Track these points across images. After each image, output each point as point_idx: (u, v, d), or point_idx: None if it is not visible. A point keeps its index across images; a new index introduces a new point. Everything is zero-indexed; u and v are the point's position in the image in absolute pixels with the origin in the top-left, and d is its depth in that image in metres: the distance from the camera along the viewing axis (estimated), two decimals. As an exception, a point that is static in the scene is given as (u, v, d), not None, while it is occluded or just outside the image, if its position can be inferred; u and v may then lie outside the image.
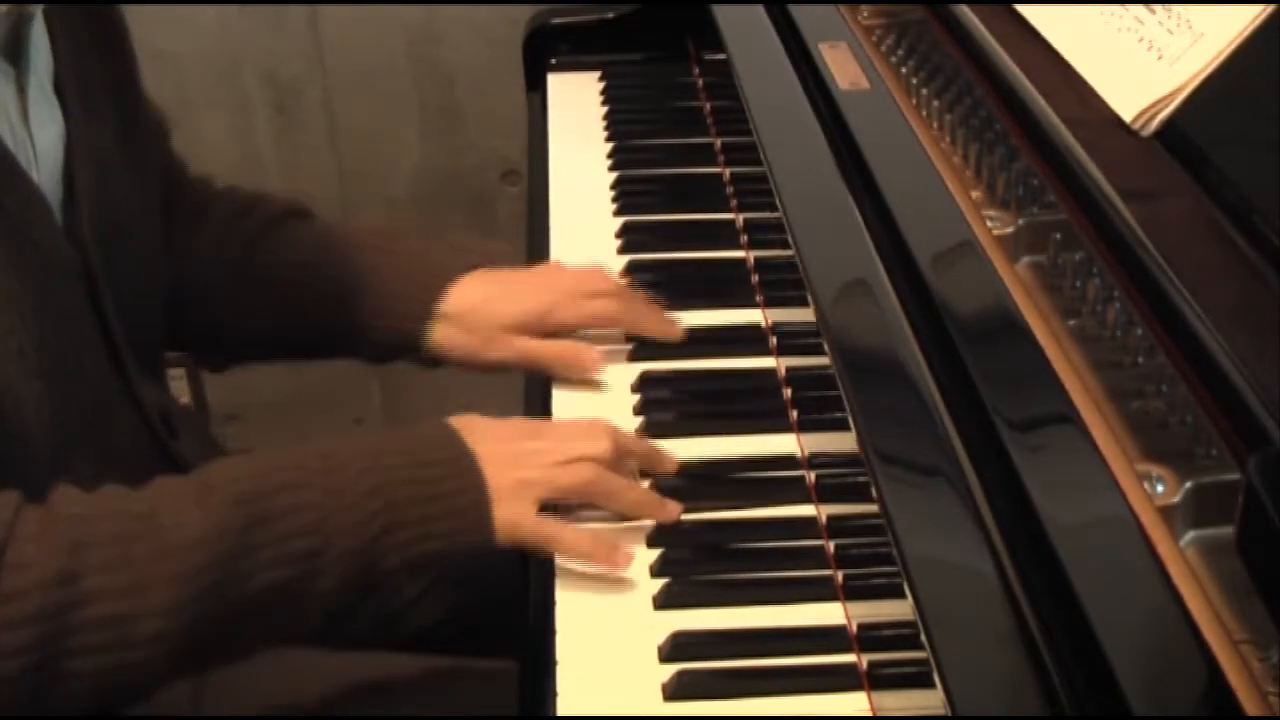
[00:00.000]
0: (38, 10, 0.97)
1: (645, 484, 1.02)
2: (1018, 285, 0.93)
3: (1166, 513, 0.75)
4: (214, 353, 1.29)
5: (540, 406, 1.14)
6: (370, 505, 0.92)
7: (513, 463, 0.96)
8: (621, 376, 1.14)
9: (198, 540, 0.87)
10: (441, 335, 1.17)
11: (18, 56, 0.96)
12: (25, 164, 0.95)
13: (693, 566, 0.97)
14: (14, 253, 0.91)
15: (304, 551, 0.90)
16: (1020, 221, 0.99)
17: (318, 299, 1.20)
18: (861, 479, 0.86)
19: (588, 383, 1.14)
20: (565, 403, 1.13)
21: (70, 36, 1.02)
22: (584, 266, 1.22)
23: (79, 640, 0.83)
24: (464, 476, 0.95)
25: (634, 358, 1.17)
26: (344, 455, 0.94)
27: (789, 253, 1.05)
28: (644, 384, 1.13)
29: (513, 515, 0.95)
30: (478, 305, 1.16)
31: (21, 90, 0.96)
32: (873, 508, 0.83)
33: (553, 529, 0.97)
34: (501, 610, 1.25)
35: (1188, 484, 0.76)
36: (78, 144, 1.00)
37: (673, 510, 1.00)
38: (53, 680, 0.83)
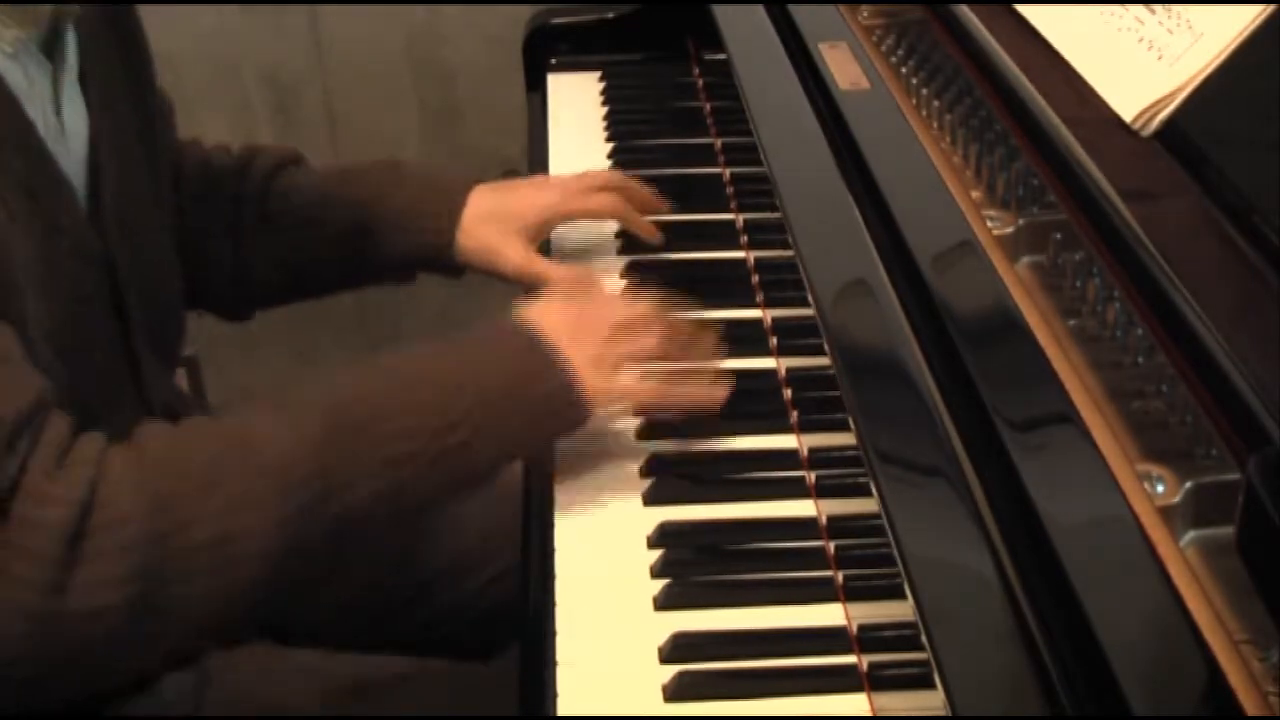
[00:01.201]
0: (77, 13, 1.00)
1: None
2: (1018, 285, 0.93)
3: (1166, 513, 0.75)
4: (234, 304, 1.31)
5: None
6: (462, 403, 0.94)
7: (588, 339, 1.01)
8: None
9: (293, 456, 0.89)
10: (466, 240, 1.24)
11: (54, 55, 0.99)
12: (56, 153, 0.97)
13: (693, 567, 0.97)
14: (42, 238, 0.93)
15: (403, 454, 0.92)
16: (1020, 221, 0.99)
17: (338, 232, 1.24)
18: (861, 479, 0.86)
19: None
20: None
21: (94, 34, 1.05)
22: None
23: (182, 566, 0.84)
24: (543, 361, 0.98)
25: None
26: (424, 365, 0.97)
27: (789, 253, 1.05)
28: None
29: (606, 384, 1.00)
30: (493, 208, 1.24)
31: (55, 83, 0.99)
32: (873, 508, 0.83)
33: (649, 386, 1.03)
34: (502, 611, 1.26)
35: (1188, 484, 0.76)
36: (101, 136, 1.03)
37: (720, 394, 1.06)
38: (156, 611, 0.84)
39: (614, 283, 1.27)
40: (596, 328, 1.02)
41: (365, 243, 1.25)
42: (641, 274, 1.28)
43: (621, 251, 1.32)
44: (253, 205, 1.25)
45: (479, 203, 1.24)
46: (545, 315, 1.02)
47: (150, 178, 1.11)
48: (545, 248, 1.32)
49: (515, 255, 1.23)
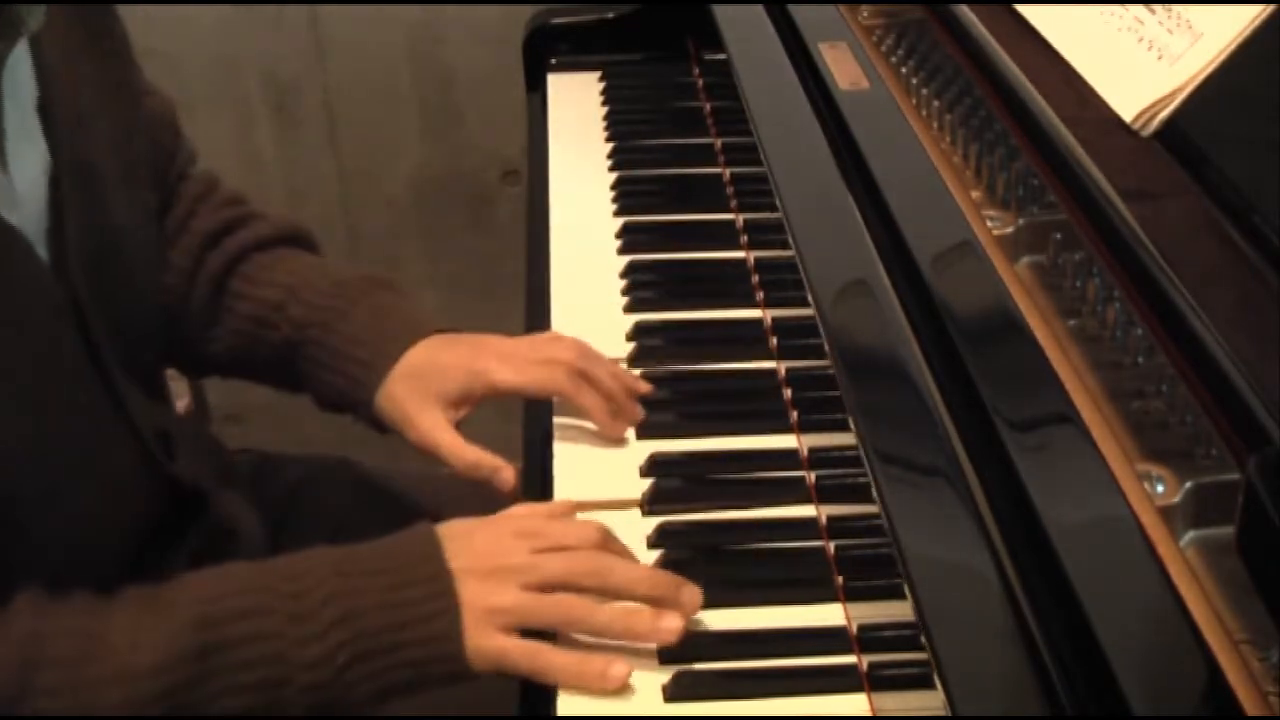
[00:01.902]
0: (8, 53, 0.91)
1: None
2: (1018, 285, 0.93)
3: (1166, 513, 0.75)
4: (185, 362, 1.24)
5: (543, 424, 1.13)
6: (337, 635, 0.87)
7: (488, 582, 0.90)
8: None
9: (151, 667, 0.84)
10: (386, 397, 1.10)
11: None
12: (2, 206, 0.90)
13: (692, 568, 0.97)
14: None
15: (264, 681, 0.86)
16: (1020, 221, 0.99)
17: (279, 339, 1.15)
18: (861, 479, 0.85)
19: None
20: (566, 428, 1.12)
21: (60, 46, 0.98)
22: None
23: None
24: (438, 600, 0.89)
25: (635, 359, 1.17)
26: (313, 578, 0.89)
27: (789, 253, 1.05)
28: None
29: (488, 644, 0.89)
30: (422, 366, 1.10)
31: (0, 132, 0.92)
32: (873, 508, 0.83)
33: (532, 651, 0.89)
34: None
35: (1188, 484, 0.76)
36: (65, 169, 0.96)
37: (670, 626, 0.90)
38: None
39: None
40: (511, 579, 0.90)
41: (296, 366, 1.15)
42: (641, 274, 1.28)
43: (621, 252, 1.32)
44: (214, 276, 1.16)
45: (412, 358, 1.10)
46: (458, 541, 0.92)
47: (128, 201, 1.04)
48: (545, 259, 1.31)
49: (422, 423, 1.08)
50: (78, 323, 0.95)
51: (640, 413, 1.11)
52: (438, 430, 1.08)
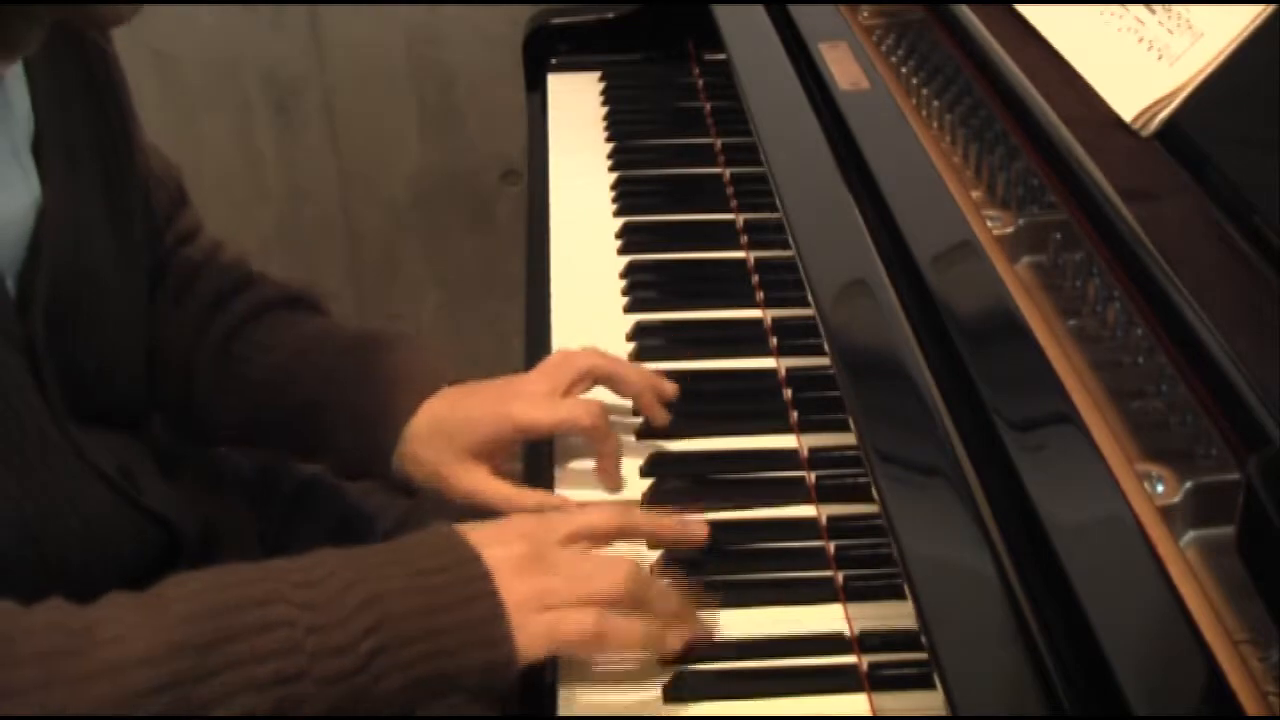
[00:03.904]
0: (12, 70, 0.91)
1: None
2: (1018, 285, 0.93)
3: (1166, 513, 0.75)
4: (186, 427, 1.17)
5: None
6: (362, 621, 0.80)
7: (529, 566, 0.85)
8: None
9: (141, 660, 0.75)
10: (406, 455, 1.06)
11: None
12: None
13: (693, 568, 0.97)
14: None
15: (279, 675, 0.77)
16: (1020, 221, 0.99)
17: (290, 404, 1.10)
18: (861, 479, 0.86)
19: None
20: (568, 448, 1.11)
21: (56, 88, 0.96)
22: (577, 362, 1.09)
23: None
24: (474, 584, 0.83)
25: (635, 359, 1.17)
26: (326, 567, 0.82)
27: (789, 253, 1.05)
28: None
29: (537, 622, 0.83)
30: (441, 427, 1.05)
31: None
32: (873, 508, 0.83)
33: (593, 620, 0.84)
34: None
35: (1188, 484, 0.76)
36: (53, 209, 0.94)
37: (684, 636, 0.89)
38: None
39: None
40: (554, 585, 0.85)
41: (311, 431, 1.10)
42: (641, 274, 1.28)
43: (621, 252, 1.32)
44: (218, 345, 1.12)
45: (432, 413, 1.05)
46: (497, 548, 0.86)
47: (115, 247, 1.01)
48: (545, 259, 1.31)
49: (463, 482, 1.03)
50: (31, 363, 0.92)
51: (666, 416, 1.09)
52: (482, 484, 1.03)
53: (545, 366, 1.08)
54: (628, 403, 1.09)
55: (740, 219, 1.35)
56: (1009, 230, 0.99)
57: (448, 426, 1.04)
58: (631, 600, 0.87)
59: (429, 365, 1.09)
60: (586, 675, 0.89)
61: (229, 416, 1.13)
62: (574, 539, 0.89)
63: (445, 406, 1.06)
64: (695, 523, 0.94)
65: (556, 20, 1.66)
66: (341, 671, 0.79)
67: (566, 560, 0.87)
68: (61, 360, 0.95)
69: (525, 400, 1.05)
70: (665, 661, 0.89)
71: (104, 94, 1.02)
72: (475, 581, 0.83)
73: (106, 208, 1.01)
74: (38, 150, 0.94)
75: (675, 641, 0.88)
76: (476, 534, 0.87)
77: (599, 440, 1.04)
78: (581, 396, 1.06)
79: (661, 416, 1.09)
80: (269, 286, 1.16)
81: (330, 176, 2.21)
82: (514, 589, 0.83)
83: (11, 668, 0.74)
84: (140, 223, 1.07)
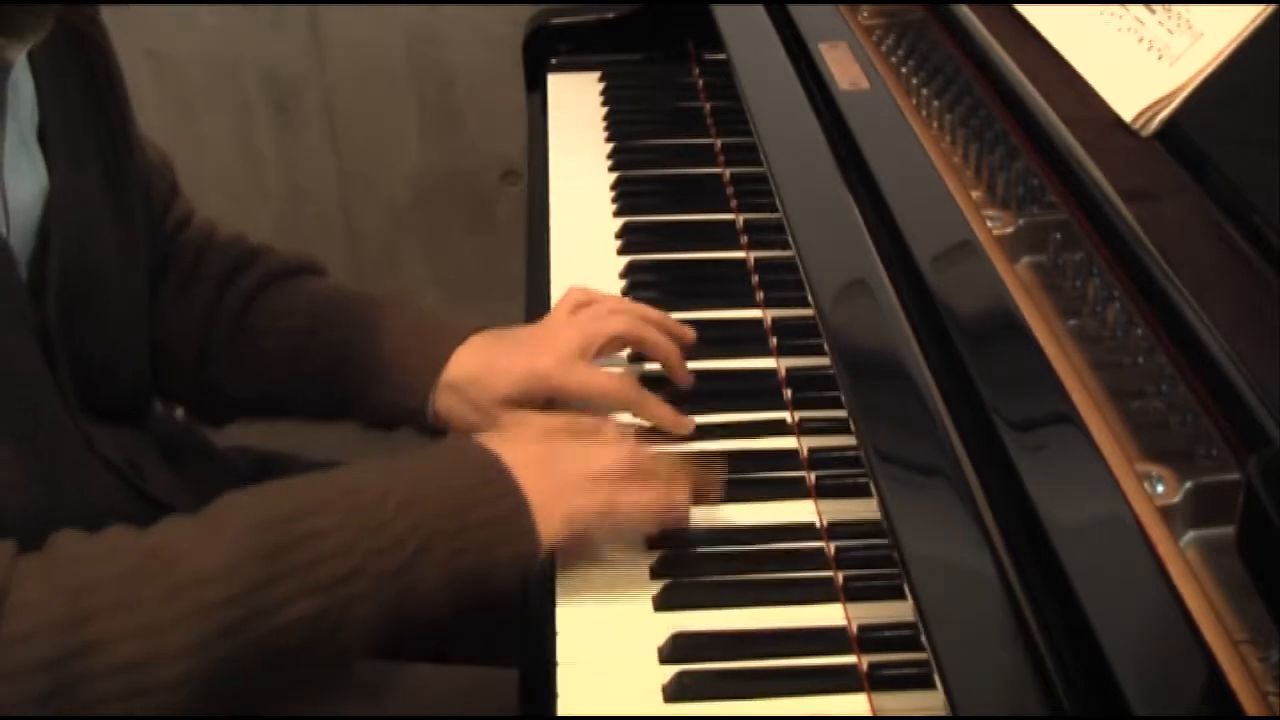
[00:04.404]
0: (18, 60, 0.92)
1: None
2: (1018, 285, 0.93)
3: (1166, 513, 0.75)
4: (209, 410, 1.21)
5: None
6: (403, 522, 0.86)
7: (542, 456, 0.92)
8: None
9: (214, 573, 0.81)
10: (443, 405, 1.10)
11: None
12: None
13: (693, 568, 0.97)
14: None
15: (336, 577, 0.83)
16: (1020, 221, 0.99)
17: (315, 364, 1.13)
18: (861, 479, 0.86)
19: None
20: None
21: (58, 83, 0.98)
22: (594, 308, 1.13)
23: (94, 690, 0.77)
24: (498, 482, 0.90)
25: (635, 359, 1.17)
26: (363, 478, 0.89)
27: (789, 253, 1.05)
28: (644, 385, 1.13)
29: (558, 510, 0.90)
30: (476, 376, 1.09)
31: None
32: (873, 509, 0.83)
33: (605, 497, 0.92)
34: (502, 611, 1.25)
35: (1188, 484, 0.76)
36: (59, 197, 0.96)
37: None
38: None
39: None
40: (566, 470, 0.92)
41: (338, 387, 1.13)
42: (641, 274, 1.28)
43: (621, 252, 1.32)
44: (234, 313, 1.15)
45: (463, 363, 1.10)
46: (512, 447, 0.93)
47: (117, 240, 1.03)
48: (545, 260, 1.31)
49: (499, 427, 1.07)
50: (43, 347, 0.93)
51: (690, 378, 1.13)
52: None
53: (581, 323, 1.11)
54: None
55: (740, 219, 1.35)
56: (1009, 230, 0.99)
57: (483, 375, 1.09)
58: (638, 471, 0.94)
59: (449, 317, 1.14)
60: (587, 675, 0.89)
61: (250, 390, 1.16)
62: (582, 431, 0.97)
63: (478, 355, 1.10)
64: (687, 419, 1.05)
65: (556, 20, 1.66)
66: (390, 569, 0.85)
67: (572, 451, 0.94)
68: (71, 350, 0.96)
69: (560, 363, 1.08)
70: (663, 658, 0.89)
71: (103, 92, 1.04)
72: (498, 481, 0.90)
73: (110, 200, 1.03)
74: (43, 141, 0.96)
75: (684, 505, 0.96)
76: (490, 439, 0.93)
77: (630, 407, 1.08)
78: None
79: (685, 378, 1.13)
80: (273, 258, 1.18)
81: (330, 176, 2.21)
82: (532, 483, 0.90)
83: (92, 591, 0.79)
84: (142, 216, 1.08)
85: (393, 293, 1.17)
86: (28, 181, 0.94)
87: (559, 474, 0.92)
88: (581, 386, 1.08)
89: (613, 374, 1.10)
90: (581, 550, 0.95)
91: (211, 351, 1.15)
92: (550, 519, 0.90)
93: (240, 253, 1.18)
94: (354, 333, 1.12)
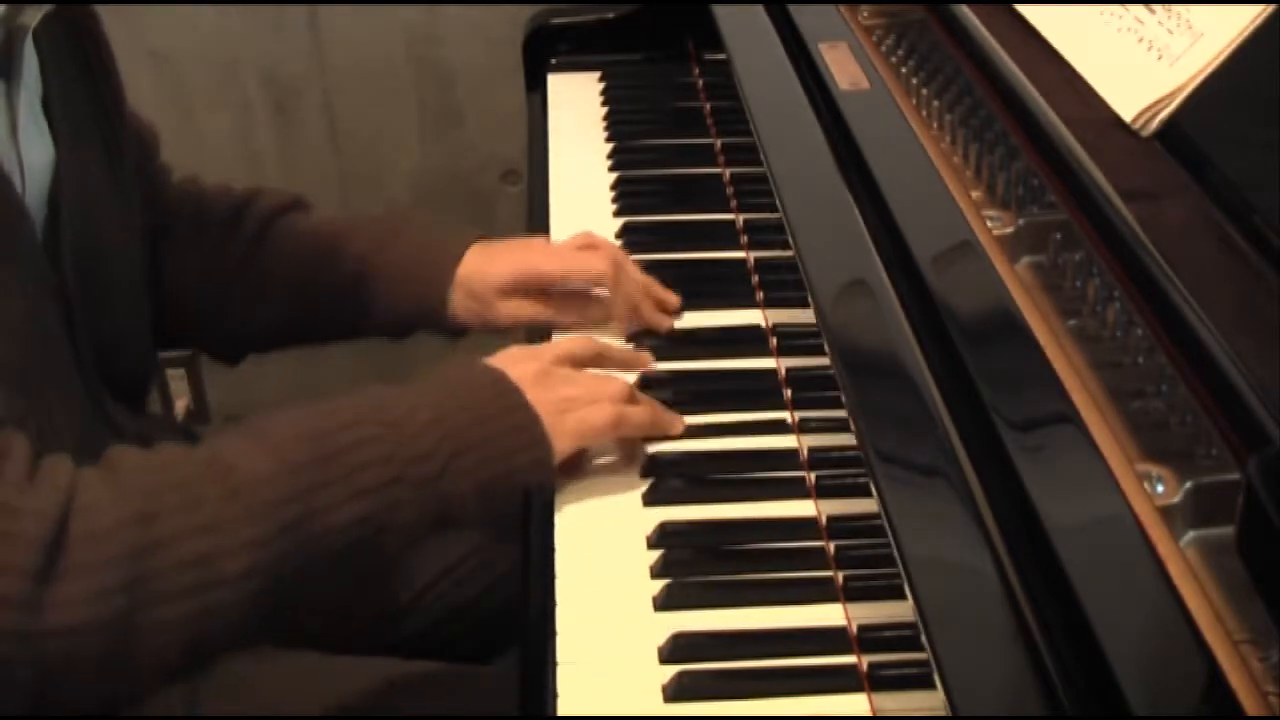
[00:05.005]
0: (31, 25, 0.96)
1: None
2: (1018, 285, 0.93)
3: (1166, 513, 0.75)
4: (227, 348, 1.29)
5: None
6: (434, 434, 0.93)
7: (546, 378, 1.00)
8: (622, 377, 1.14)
9: (269, 477, 0.87)
10: (455, 302, 1.21)
11: (9, 73, 0.96)
12: (10, 176, 0.94)
13: (693, 568, 0.97)
14: None
15: (380, 482, 0.90)
16: (1020, 221, 0.99)
17: (332, 285, 1.22)
18: (861, 479, 0.86)
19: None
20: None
21: (57, 62, 1.02)
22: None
23: (165, 583, 0.82)
24: (510, 398, 0.97)
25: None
26: (388, 397, 0.95)
27: (789, 253, 1.05)
28: (645, 385, 1.13)
29: (567, 422, 0.99)
30: (478, 268, 1.20)
31: (11, 108, 0.96)
32: (873, 508, 0.83)
33: (609, 412, 1.01)
34: (502, 611, 1.26)
35: (1188, 484, 0.76)
36: (65, 168, 1.00)
37: (677, 424, 1.07)
38: (137, 632, 0.81)
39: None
40: (567, 389, 1.01)
41: (359, 298, 1.22)
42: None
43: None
44: (246, 250, 1.23)
45: (467, 261, 1.21)
46: (511, 362, 1.01)
47: (119, 211, 1.09)
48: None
49: (502, 313, 1.21)
50: (64, 313, 0.98)
51: (671, 321, 1.21)
52: (520, 309, 1.20)
53: (572, 238, 1.24)
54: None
55: (740, 219, 1.35)
56: (1009, 230, 0.99)
57: (484, 266, 1.20)
58: (633, 396, 1.04)
59: (454, 226, 1.25)
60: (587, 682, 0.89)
61: (269, 318, 1.24)
62: (562, 361, 1.04)
63: (481, 253, 1.21)
64: (675, 417, 1.08)
65: (556, 20, 1.66)
66: (428, 475, 0.92)
67: (567, 375, 1.03)
68: (88, 318, 1.01)
69: (545, 254, 1.22)
70: (663, 659, 0.89)
71: (96, 68, 1.08)
72: (509, 394, 0.98)
73: (108, 173, 1.07)
74: (47, 113, 1.00)
75: (677, 420, 1.06)
76: (494, 360, 1.02)
77: (614, 285, 1.19)
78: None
79: (660, 321, 1.21)
80: (269, 196, 1.27)
81: (330, 176, 2.21)
82: (539, 398, 0.98)
83: (157, 494, 0.84)
84: (137, 193, 1.13)
85: (396, 210, 1.30)
86: (38, 150, 0.99)
87: (563, 393, 1.00)
88: (565, 265, 1.20)
89: (589, 254, 1.20)
90: (583, 463, 1.04)
91: (228, 290, 1.23)
92: (561, 430, 0.98)
93: (236, 197, 1.25)
94: (369, 247, 1.22)
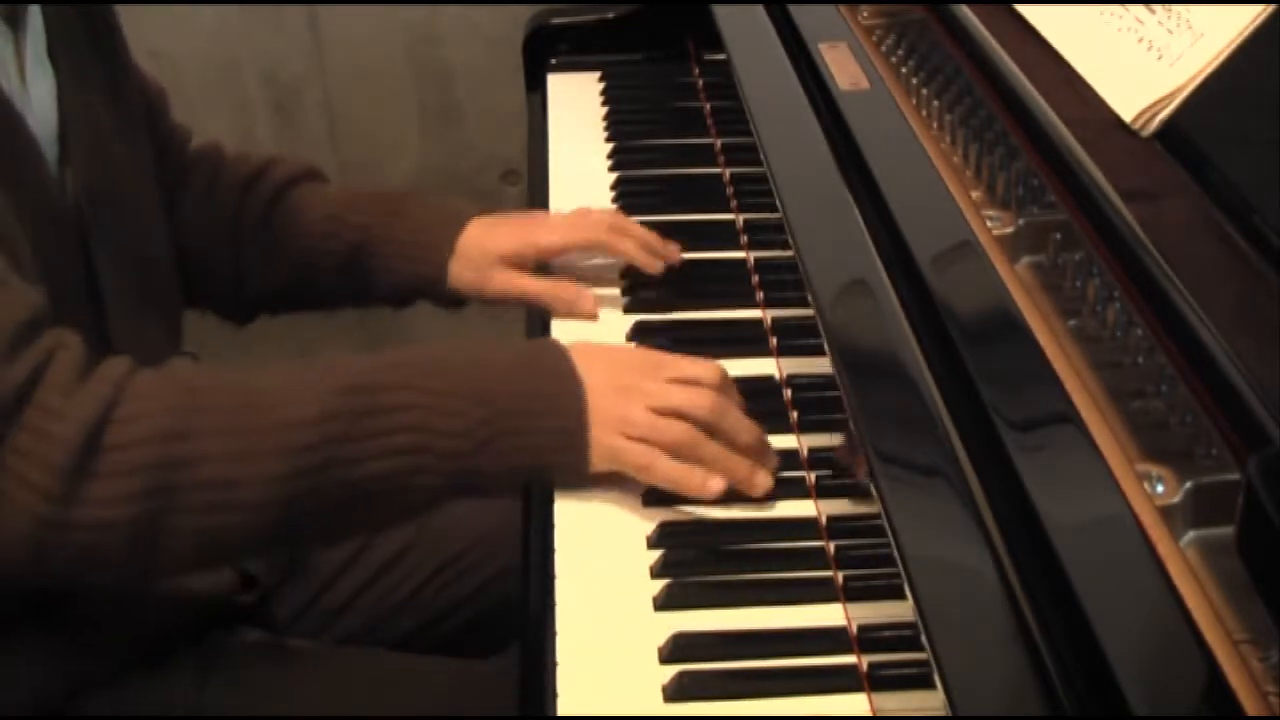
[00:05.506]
0: None
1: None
2: (1018, 285, 0.93)
3: (1166, 513, 0.75)
4: (238, 309, 1.33)
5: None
6: (477, 413, 0.95)
7: (619, 396, 0.99)
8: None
9: (308, 420, 0.91)
10: (454, 272, 1.24)
11: (16, 21, 1.01)
12: (26, 113, 0.99)
13: (693, 568, 0.97)
14: (11, 196, 0.95)
15: (410, 446, 0.93)
16: (1020, 221, 0.99)
17: (340, 253, 1.26)
18: (861, 479, 0.85)
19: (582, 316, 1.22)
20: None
21: (58, 9, 1.07)
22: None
23: (184, 499, 0.89)
24: (568, 399, 0.98)
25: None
26: (458, 360, 0.98)
27: (789, 253, 1.05)
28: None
29: (609, 441, 0.98)
30: (478, 239, 1.24)
31: (19, 54, 1.01)
32: (873, 508, 0.83)
33: (648, 458, 0.98)
34: (502, 610, 1.26)
35: (1188, 484, 0.76)
36: (70, 107, 1.05)
37: (762, 483, 1.00)
38: (156, 535, 0.89)
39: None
40: (637, 399, 0.99)
41: (365, 267, 1.27)
42: (641, 275, 1.28)
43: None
44: (259, 215, 1.27)
45: (468, 237, 1.25)
46: (589, 357, 1.01)
47: (126, 153, 1.12)
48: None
49: (495, 283, 1.24)
50: (81, 244, 1.03)
51: (678, 254, 1.25)
52: (513, 281, 1.23)
53: (571, 211, 1.29)
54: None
55: (740, 219, 1.35)
56: (1009, 230, 0.99)
57: (483, 238, 1.24)
58: (695, 444, 0.99)
59: (455, 203, 1.30)
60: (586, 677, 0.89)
61: (279, 280, 1.28)
62: (674, 382, 1.01)
63: (481, 225, 1.25)
64: (772, 457, 1.03)
65: (556, 20, 1.66)
66: (458, 451, 0.94)
67: (658, 390, 0.99)
68: (105, 249, 1.05)
69: (544, 226, 1.27)
70: (663, 659, 0.89)
71: (99, 23, 1.13)
72: (568, 397, 0.98)
73: (112, 113, 1.11)
74: (51, 56, 1.05)
75: (746, 472, 1.00)
76: (588, 356, 1.01)
77: (616, 246, 1.23)
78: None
79: (655, 266, 1.24)
80: (287, 165, 1.32)
81: (330, 176, 2.20)
82: (601, 410, 0.98)
83: (202, 413, 0.91)
84: (146, 135, 1.19)
85: (397, 189, 1.35)
86: (44, 91, 1.04)
87: (626, 415, 0.98)
88: (564, 236, 1.24)
89: (587, 223, 1.24)
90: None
91: (241, 250, 1.27)
92: (600, 448, 0.98)
93: (256, 163, 1.30)
94: (375, 218, 1.26)
